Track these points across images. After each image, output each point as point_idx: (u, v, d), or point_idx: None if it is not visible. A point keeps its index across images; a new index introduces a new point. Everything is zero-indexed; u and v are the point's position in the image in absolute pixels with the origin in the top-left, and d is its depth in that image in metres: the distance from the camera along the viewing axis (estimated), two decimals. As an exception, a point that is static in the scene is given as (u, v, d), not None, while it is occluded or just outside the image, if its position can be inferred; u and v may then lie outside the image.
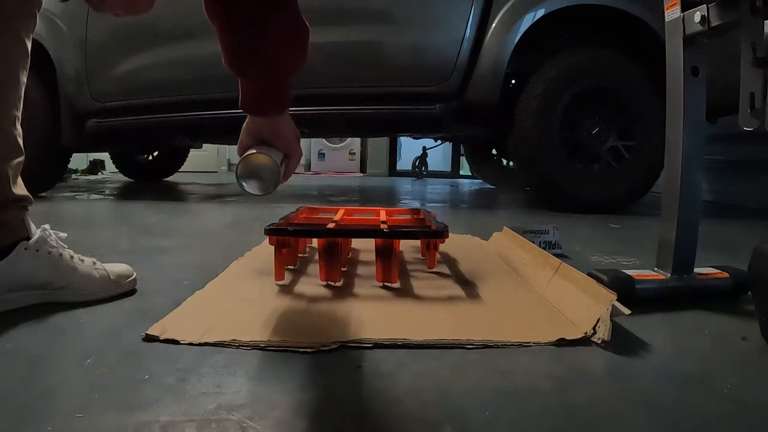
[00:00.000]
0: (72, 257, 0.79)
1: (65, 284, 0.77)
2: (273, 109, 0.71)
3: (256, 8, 0.64)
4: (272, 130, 0.72)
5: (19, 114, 0.75)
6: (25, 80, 0.75)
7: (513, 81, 2.37)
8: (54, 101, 2.40)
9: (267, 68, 0.68)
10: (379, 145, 5.79)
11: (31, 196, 0.78)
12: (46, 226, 0.78)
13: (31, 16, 0.74)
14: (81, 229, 1.59)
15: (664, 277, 0.87)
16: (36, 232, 0.76)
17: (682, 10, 0.83)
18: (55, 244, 0.77)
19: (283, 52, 0.67)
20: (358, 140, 5.90)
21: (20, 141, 0.75)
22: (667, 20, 0.87)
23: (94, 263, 0.82)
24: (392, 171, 5.84)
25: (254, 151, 0.68)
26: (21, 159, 0.76)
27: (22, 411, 0.48)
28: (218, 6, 0.65)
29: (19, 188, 0.76)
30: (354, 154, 5.96)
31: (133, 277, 0.86)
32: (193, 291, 0.84)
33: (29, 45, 0.75)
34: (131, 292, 0.85)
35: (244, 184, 0.67)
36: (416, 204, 2.65)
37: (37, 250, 0.75)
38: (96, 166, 4.83)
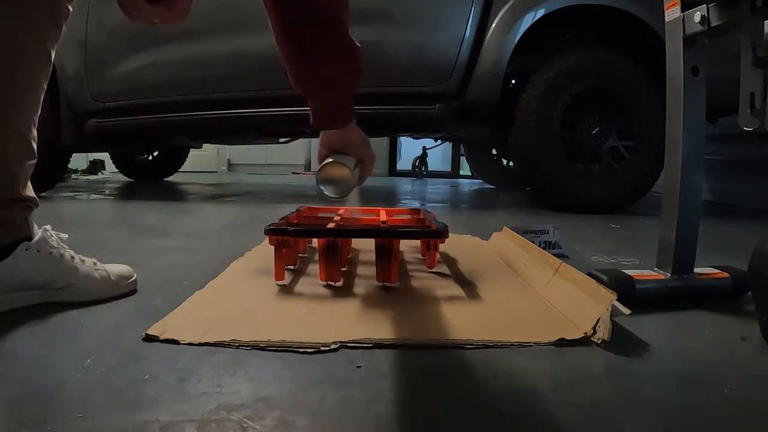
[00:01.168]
0: (73, 258, 0.79)
1: (66, 284, 0.77)
2: (338, 123, 0.81)
3: (318, 41, 0.76)
4: (342, 140, 0.82)
5: (36, 119, 0.76)
6: (45, 87, 0.77)
7: (513, 81, 2.37)
8: (54, 101, 2.40)
9: (327, 88, 0.79)
10: (379, 145, 5.79)
11: (37, 198, 0.78)
12: (48, 226, 0.78)
13: (57, 26, 0.75)
14: (81, 229, 1.59)
15: (664, 277, 0.87)
16: (37, 233, 0.76)
17: (682, 10, 0.83)
18: (56, 245, 0.77)
19: (339, 74, 0.79)
20: (358, 140, 5.89)
21: (34, 145, 0.76)
22: (667, 20, 0.87)
23: (95, 264, 0.82)
24: (392, 171, 5.84)
25: (330, 160, 0.78)
26: (33, 162, 0.77)
27: (22, 411, 0.48)
28: (287, 41, 0.76)
29: (28, 190, 0.77)
30: (354, 154, 5.95)
31: (133, 278, 0.86)
32: (193, 291, 0.84)
33: (52, 54, 0.76)
34: (131, 292, 0.85)
35: (322, 188, 0.78)
36: (416, 204, 2.65)
37: (38, 251, 0.75)
38: (96, 166, 4.83)
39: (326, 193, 0.78)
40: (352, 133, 0.83)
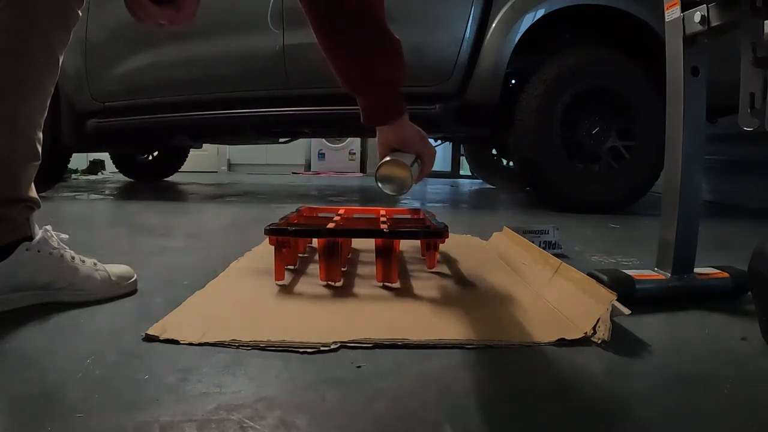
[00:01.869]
0: (73, 258, 0.79)
1: (66, 285, 0.77)
2: (388, 118, 0.82)
3: (359, 38, 0.76)
4: (397, 138, 0.83)
5: (42, 121, 0.76)
6: (52, 90, 0.77)
7: (513, 81, 2.37)
8: (54, 101, 2.40)
9: (374, 84, 0.80)
10: (379, 145, 5.78)
11: (39, 199, 0.78)
12: (48, 227, 0.79)
13: (67, 31, 0.75)
14: (81, 229, 1.59)
15: (664, 277, 0.87)
16: (38, 233, 0.76)
17: (682, 10, 0.83)
18: (56, 245, 0.78)
19: (383, 69, 0.79)
20: (358, 140, 5.89)
21: (39, 147, 0.76)
22: (667, 20, 0.87)
23: (95, 264, 0.82)
24: (392, 171, 5.83)
25: (388, 158, 0.80)
26: (37, 163, 0.77)
27: (22, 411, 0.48)
28: (328, 42, 0.77)
29: (31, 191, 0.77)
30: (354, 154, 5.95)
31: (133, 278, 0.86)
32: (193, 291, 0.84)
33: (60, 58, 0.76)
34: (131, 292, 0.85)
35: (380, 185, 0.80)
36: (416, 204, 2.65)
37: (39, 251, 0.75)
38: (96, 166, 4.82)
39: (385, 190, 0.80)
40: (405, 129, 0.83)
